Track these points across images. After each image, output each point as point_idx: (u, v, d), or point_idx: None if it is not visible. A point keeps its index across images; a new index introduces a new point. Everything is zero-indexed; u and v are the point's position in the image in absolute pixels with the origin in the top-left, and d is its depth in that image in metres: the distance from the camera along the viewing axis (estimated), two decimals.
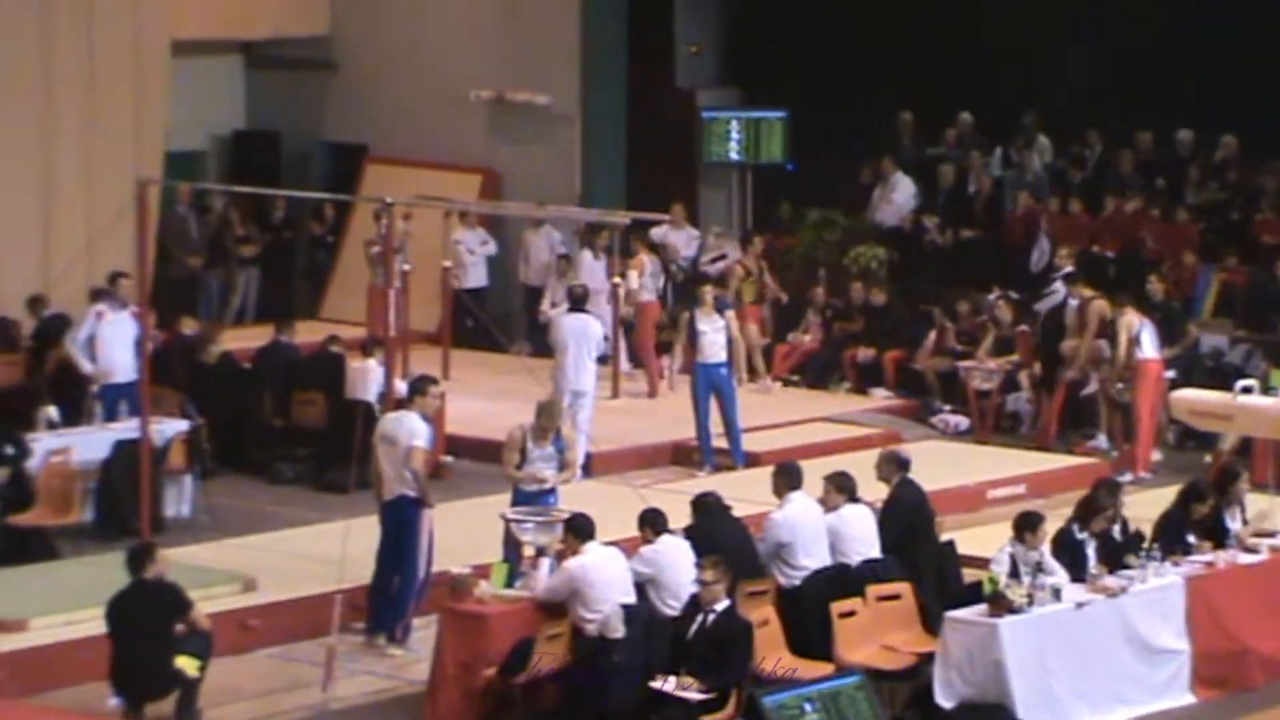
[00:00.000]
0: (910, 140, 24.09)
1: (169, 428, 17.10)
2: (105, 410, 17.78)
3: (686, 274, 23.42)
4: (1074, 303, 20.02)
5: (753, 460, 18.40)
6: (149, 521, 15.75)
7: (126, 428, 16.86)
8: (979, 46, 23.96)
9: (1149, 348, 18.99)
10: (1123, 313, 19.09)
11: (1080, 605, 12.89)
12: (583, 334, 18.53)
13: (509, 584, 13.12)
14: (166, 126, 23.54)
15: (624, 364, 21.42)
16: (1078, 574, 13.22)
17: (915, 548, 13.88)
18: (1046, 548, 13.27)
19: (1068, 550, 13.42)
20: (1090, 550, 13.49)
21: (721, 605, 12.27)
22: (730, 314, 19.07)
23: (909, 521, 14.00)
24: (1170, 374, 19.53)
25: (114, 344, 18.21)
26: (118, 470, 16.47)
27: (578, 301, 19.21)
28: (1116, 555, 13.49)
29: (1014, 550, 13.17)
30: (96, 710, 12.67)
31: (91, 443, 16.79)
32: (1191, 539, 13.95)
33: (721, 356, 18.61)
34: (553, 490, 14.40)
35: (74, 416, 17.85)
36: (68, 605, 13.80)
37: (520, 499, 14.34)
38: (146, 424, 15.85)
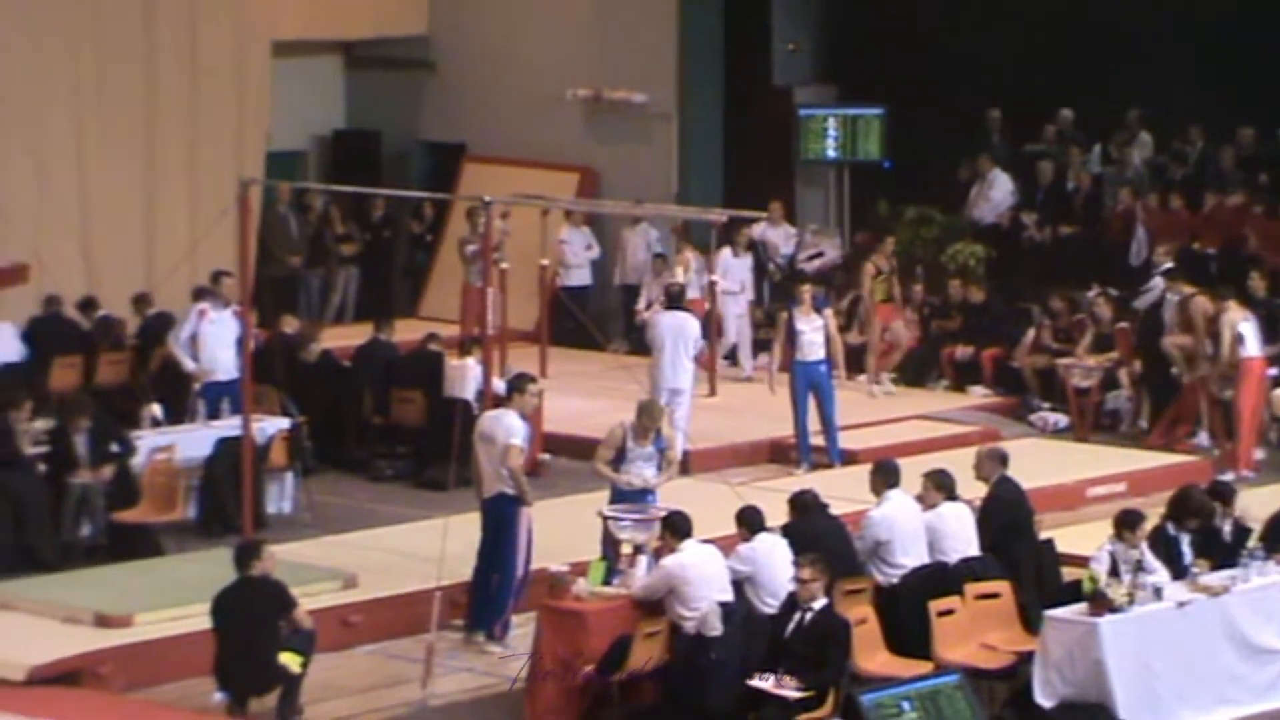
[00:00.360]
0: (1000, 137, 23.96)
1: (270, 425, 17.25)
2: (208, 408, 17.95)
3: (784, 272, 23.42)
4: (1173, 299, 19.87)
5: (850, 458, 18.38)
6: (251, 519, 15.90)
7: (229, 425, 17.03)
8: (1077, 42, 23.79)
9: (1252, 345, 18.82)
10: (1226, 309, 18.93)
11: (1182, 604, 12.78)
12: (680, 332, 18.55)
13: (606, 581, 13.16)
14: (268, 127, 23.76)
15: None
16: (1174, 571, 13.12)
17: (1014, 546, 13.81)
18: (1147, 546, 13.18)
19: (1162, 547, 13.33)
20: (1185, 547, 13.38)
21: (819, 604, 12.26)
22: (828, 312, 19.06)
23: (1008, 519, 13.94)
24: (1273, 372, 19.35)
25: (216, 342, 18.39)
26: (220, 468, 16.63)
27: (674, 300, 19.24)
28: (1222, 554, 13.36)
29: (1114, 549, 13.09)
30: (201, 705, 12.81)
31: (194, 440, 16.96)
32: None
33: (820, 354, 18.60)
34: (652, 489, 14.41)
35: (177, 414, 18.04)
36: (172, 601, 13.94)
37: (618, 497, 14.37)
38: (248, 422, 15.99)
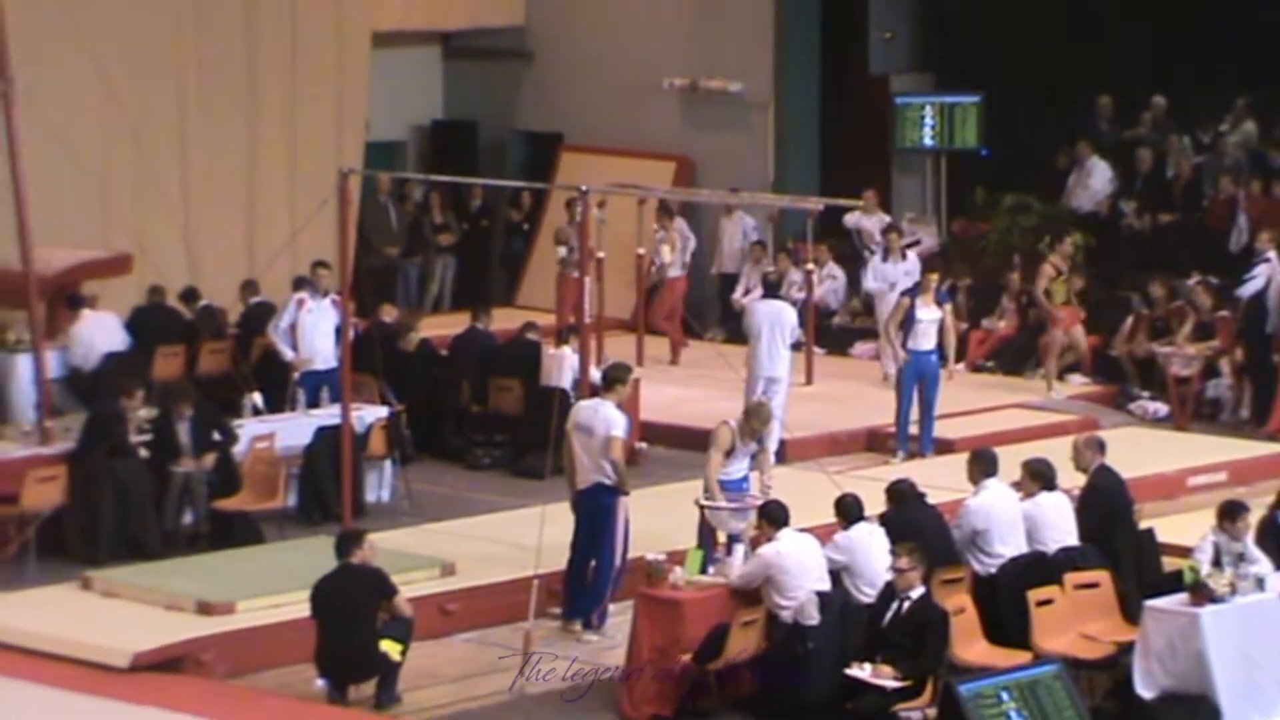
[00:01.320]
0: (1108, 124, 23.78)
1: (369, 414, 17.36)
2: (307, 397, 18.08)
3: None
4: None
5: (947, 447, 18.31)
6: (350, 507, 15.99)
7: (328, 414, 17.15)
8: (1176, 27, 23.58)
9: None
10: None
11: None
12: (777, 320, 18.53)
13: (703, 570, 13.17)
14: (367, 117, 23.90)
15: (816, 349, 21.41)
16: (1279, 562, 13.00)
17: (1113, 535, 13.73)
18: (1251, 537, 13.06)
19: (1271, 537, 13.20)
20: None
21: (917, 592, 12.23)
22: (948, 306, 19.01)
23: (1107, 508, 13.85)
24: None
25: (315, 332, 18.54)
26: (320, 456, 16.75)
27: (771, 288, 19.21)
28: None
29: (1217, 539, 12.98)
30: (302, 692, 12.91)
31: (294, 429, 17.09)
32: None
33: (933, 344, 18.54)
34: (746, 476, 14.38)
35: (277, 403, 18.19)
36: (274, 588, 14.03)
37: (722, 487, 14.31)
38: (348, 411, 16.09)
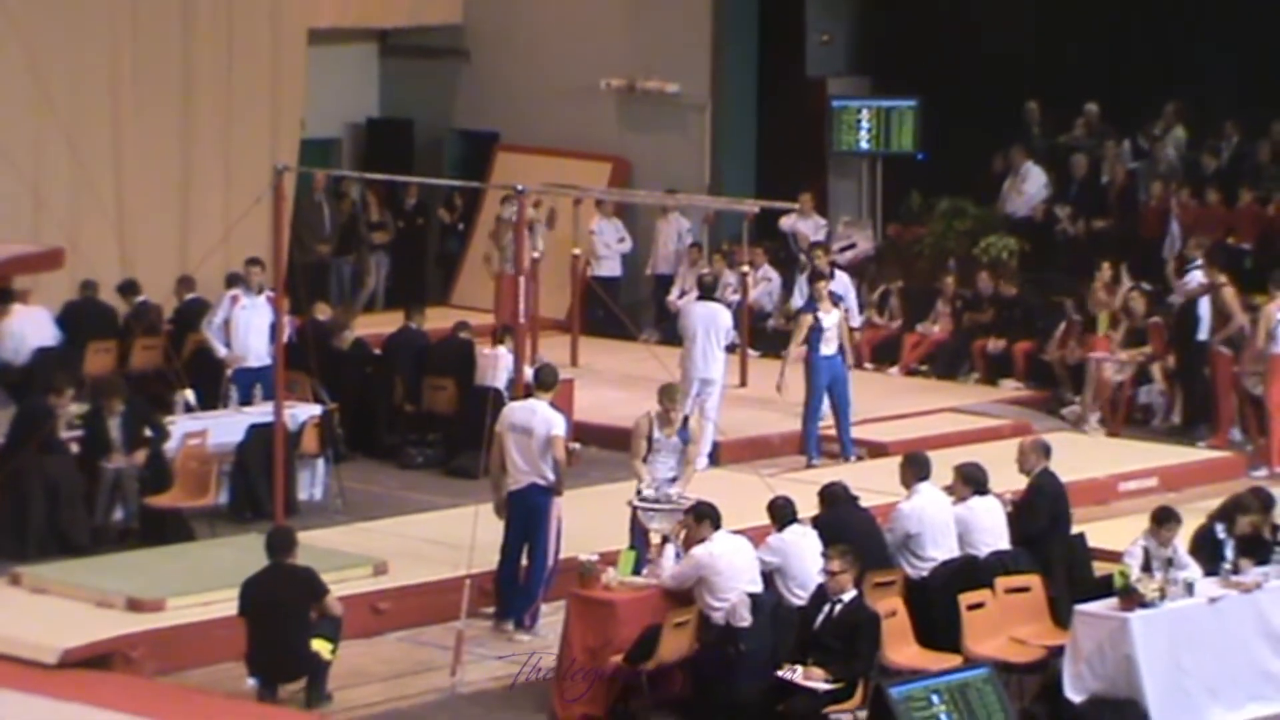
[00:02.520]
0: (1038, 130, 23.89)
1: (302, 412, 17.30)
2: (240, 394, 18.00)
3: (812, 267, 23.35)
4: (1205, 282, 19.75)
5: (880, 450, 18.36)
6: (282, 504, 15.93)
7: (261, 411, 17.08)
8: (1110, 34, 23.73)
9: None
10: (1270, 300, 18.80)
11: (1214, 600, 12.75)
12: (711, 322, 18.55)
13: (636, 571, 13.17)
14: (302, 114, 23.81)
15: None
16: (1213, 571, 13.07)
17: (1051, 539, 13.78)
18: (1180, 543, 13.14)
19: (1207, 548, 13.28)
20: (1229, 551, 13.30)
21: (848, 595, 12.26)
22: (844, 305, 18.99)
23: (1053, 512, 13.90)
24: None
25: (248, 329, 18.46)
26: (252, 454, 16.68)
27: (707, 290, 19.22)
28: (1262, 556, 13.28)
29: (1147, 544, 13.06)
30: (232, 690, 12.85)
31: (227, 426, 17.02)
32: None
33: (835, 348, 18.52)
34: (675, 480, 14.39)
35: (210, 400, 18.10)
36: (204, 586, 13.97)
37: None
38: (280, 408, 16.03)
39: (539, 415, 13.99)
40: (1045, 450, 14.17)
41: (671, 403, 14.52)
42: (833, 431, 18.75)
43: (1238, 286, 19.83)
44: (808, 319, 18.62)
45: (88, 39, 21.82)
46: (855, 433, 18.80)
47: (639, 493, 14.09)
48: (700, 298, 19.15)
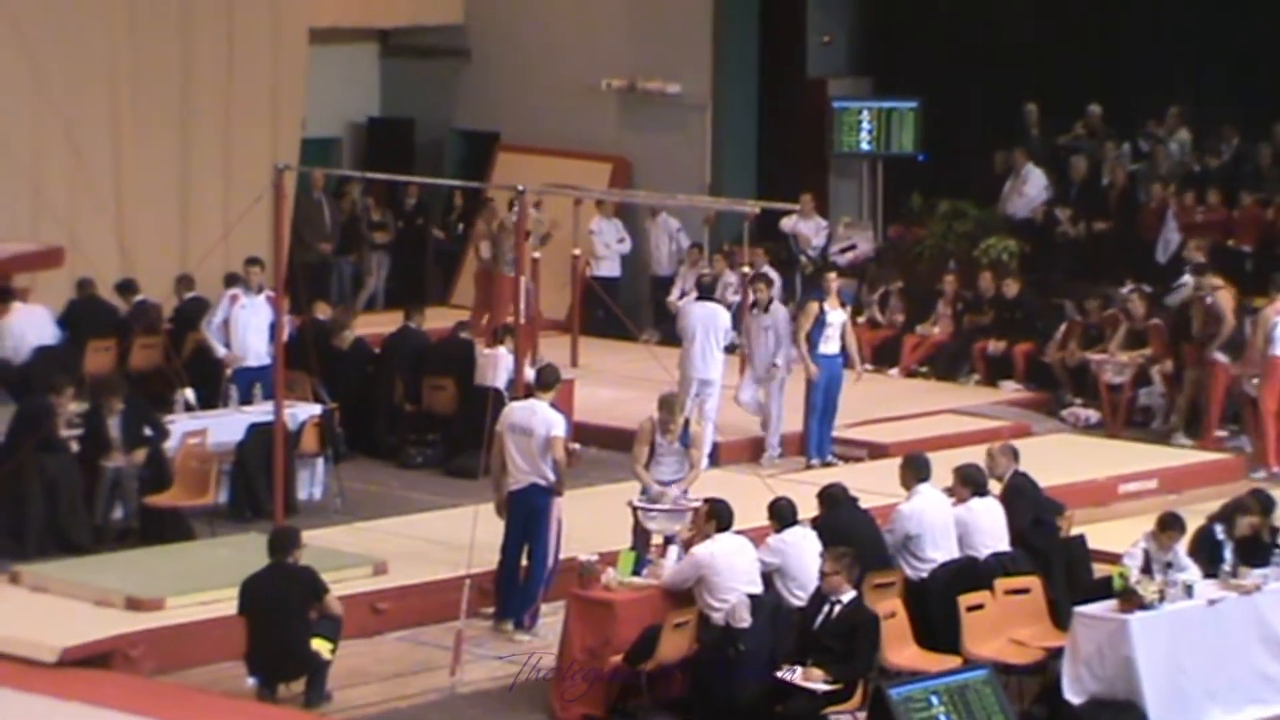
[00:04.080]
0: (1039, 131, 23.90)
1: (302, 412, 17.29)
2: (240, 393, 18.00)
3: (816, 264, 23.40)
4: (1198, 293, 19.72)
5: (880, 452, 18.35)
6: (282, 504, 15.94)
7: (261, 411, 17.08)
8: (1113, 35, 23.73)
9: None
10: (1270, 303, 18.77)
11: (1213, 602, 12.74)
12: (710, 322, 18.54)
13: (636, 572, 13.17)
14: (303, 113, 23.81)
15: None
16: (1213, 574, 13.07)
17: (1041, 540, 13.80)
18: (1181, 547, 13.14)
19: (1206, 549, 13.29)
20: (1228, 553, 13.30)
21: (847, 596, 12.26)
22: (849, 307, 18.96)
23: (1033, 512, 13.92)
24: None
25: (248, 328, 18.47)
26: (252, 453, 16.67)
27: (706, 290, 19.21)
28: (1262, 558, 13.29)
29: (1148, 546, 13.06)
30: (231, 689, 12.85)
31: (227, 426, 17.01)
32: None
33: (838, 347, 18.51)
34: (672, 482, 14.37)
35: (210, 399, 18.10)
36: (204, 585, 13.97)
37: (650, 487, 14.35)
38: (280, 408, 16.03)
39: (539, 416, 13.99)
40: (1014, 454, 14.23)
41: (671, 413, 14.47)
42: (840, 434, 18.66)
43: (1237, 290, 19.82)
44: (814, 307, 18.50)
45: (87, 37, 21.81)
46: (856, 433, 18.77)
47: (642, 492, 14.10)
48: (699, 298, 19.14)
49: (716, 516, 12.84)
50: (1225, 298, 19.48)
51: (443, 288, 25.34)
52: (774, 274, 23.24)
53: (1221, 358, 19.28)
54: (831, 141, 24.44)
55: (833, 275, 19.05)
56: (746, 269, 21.74)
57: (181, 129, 22.62)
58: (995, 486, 14.05)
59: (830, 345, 18.45)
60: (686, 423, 14.59)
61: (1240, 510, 13.65)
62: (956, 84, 23.57)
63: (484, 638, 13.92)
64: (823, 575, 12.33)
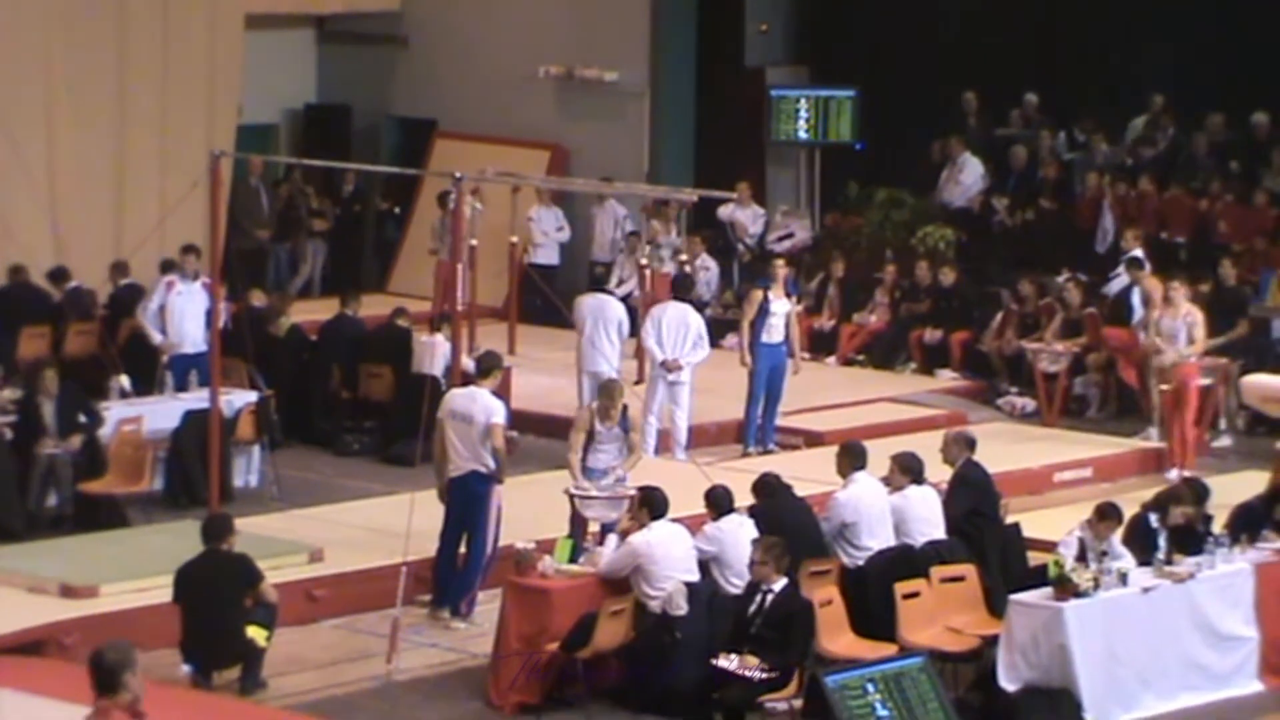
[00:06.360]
0: (976, 120, 23.98)
1: (238, 399, 17.22)
2: (176, 380, 17.91)
3: (753, 252, 23.44)
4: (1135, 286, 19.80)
5: (816, 440, 18.39)
6: (217, 491, 15.87)
7: (196, 398, 17.00)
8: (1050, 25, 23.82)
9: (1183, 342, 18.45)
10: (1170, 307, 18.57)
11: (1147, 590, 12.81)
12: (600, 313, 18.46)
13: (573, 559, 13.16)
14: (239, 99, 23.69)
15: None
16: (1147, 562, 13.15)
17: (979, 529, 13.85)
18: (1116, 537, 13.21)
19: (1140, 538, 13.36)
20: (1162, 541, 13.37)
21: (778, 585, 12.26)
22: (795, 297, 18.95)
23: (974, 503, 13.98)
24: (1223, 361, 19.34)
25: (184, 315, 18.38)
26: (187, 440, 16.60)
27: (598, 282, 19.13)
28: (1196, 546, 13.37)
29: (1084, 535, 13.13)
30: (166, 677, 12.77)
31: (162, 412, 16.93)
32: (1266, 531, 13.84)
33: (782, 336, 18.53)
34: (608, 470, 14.38)
35: (145, 386, 18.00)
36: (138, 572, 13.89)
37: (589, 474, 14.35)
38: (216, 395, 15.96)
39: (479, 403, 13.96)
40: (969, 443, 14.28)
41: (610, 400, 14.50)
42: (777, 422, 18.68)
43: (1160, 277, 19.82)
44: (758, 295, 18.54)
45: (21, 22, 21.64)
46: (793, 421, 18.80)
47: (576, 481, 14.10)
48: (590, 289, 19.07)
49: (649, 504, 12.84)
50: (1153, 285, 19.48)
51: (380, 275, 25.26)
52: (711, 262, 23.36)
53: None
54: (769, 130, 24.47)
55: (780, 263, 19.04)
56: (684, 257, 21.71)
57: (117, 115, 22.47)
58: (949, 472, 14.09)
59: (774, 335, 18.46)
60: (625, 408, 14.60)
61: (1174, 499, 13.73)
62: (894, 73, 23.62)
63: (421, 625, 13.89)
64: (752, 565, 12.35)
